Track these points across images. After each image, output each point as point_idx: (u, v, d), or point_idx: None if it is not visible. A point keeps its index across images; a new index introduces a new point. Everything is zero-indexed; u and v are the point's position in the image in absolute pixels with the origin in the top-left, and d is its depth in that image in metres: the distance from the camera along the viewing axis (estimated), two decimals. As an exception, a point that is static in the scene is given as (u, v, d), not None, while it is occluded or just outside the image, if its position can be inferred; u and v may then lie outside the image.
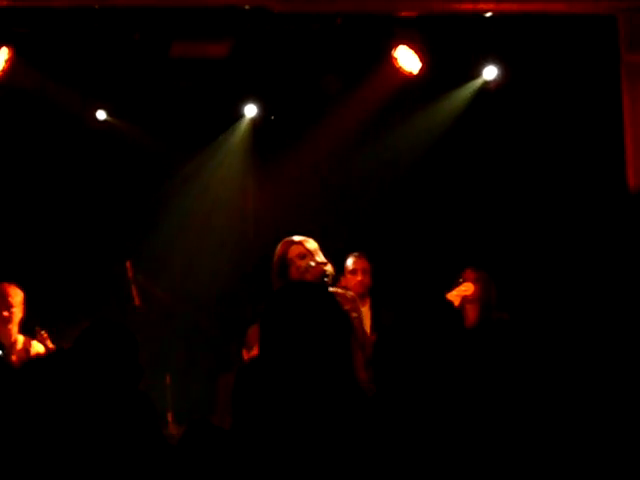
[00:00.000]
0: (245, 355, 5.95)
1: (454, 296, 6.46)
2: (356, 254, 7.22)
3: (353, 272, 7.08)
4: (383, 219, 9.08)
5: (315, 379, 2.78)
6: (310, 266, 5.24)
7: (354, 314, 5.35)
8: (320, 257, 5.37)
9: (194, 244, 9.16)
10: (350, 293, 5.63)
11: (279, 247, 5.43)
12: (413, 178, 9.08)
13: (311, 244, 5.40)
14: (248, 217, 9.39)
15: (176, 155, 9.10)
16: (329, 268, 5.30)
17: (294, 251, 5.35)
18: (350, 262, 7.16)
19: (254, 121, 9.33)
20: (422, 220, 9.06)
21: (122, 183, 9.09)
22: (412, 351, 2.85)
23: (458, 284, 6.60)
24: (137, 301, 7.84)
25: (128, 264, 7.94)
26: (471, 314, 6.86)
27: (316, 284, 4.42)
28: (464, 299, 6.63)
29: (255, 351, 5.38)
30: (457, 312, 3.12)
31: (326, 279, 5.24)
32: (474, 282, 6.76)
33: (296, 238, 5.41)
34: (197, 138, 9.10)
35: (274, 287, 5.30)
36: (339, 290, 5.48)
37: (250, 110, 9.26)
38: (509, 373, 2.87)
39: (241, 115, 9.33)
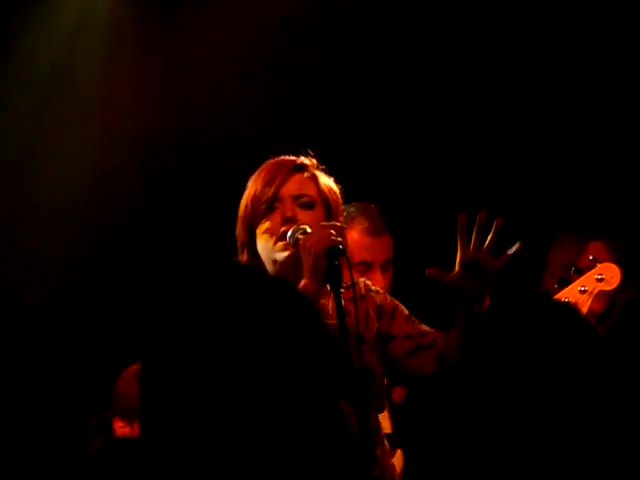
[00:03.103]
0: (117, 427, 4.62)
1: (578, 294, 4.40)
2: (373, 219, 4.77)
3: (368, 266, 4.75)
4: (407, 135, 6.29)
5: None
6: (304, 232, 3.49)
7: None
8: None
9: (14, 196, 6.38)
10: (377, 289, 3.86)
11: (262, 170, 3.67)
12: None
13: (326, 181, 3.64)
14: (123, 131, 6.54)
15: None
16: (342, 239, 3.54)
17: (292, 187, 3.58)
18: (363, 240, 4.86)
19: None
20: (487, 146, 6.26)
21: None
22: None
23: (586, 268, 4.48)
24: None
25: None
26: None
27: (298, 296, 1.96)
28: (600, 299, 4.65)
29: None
30: (591, 327, 2.08)
31: (336, 262, 3.43)
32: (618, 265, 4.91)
33: (305, 160, 3.62)
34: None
35: (241, 259, 3.71)
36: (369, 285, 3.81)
37: None
38: None
39: None
